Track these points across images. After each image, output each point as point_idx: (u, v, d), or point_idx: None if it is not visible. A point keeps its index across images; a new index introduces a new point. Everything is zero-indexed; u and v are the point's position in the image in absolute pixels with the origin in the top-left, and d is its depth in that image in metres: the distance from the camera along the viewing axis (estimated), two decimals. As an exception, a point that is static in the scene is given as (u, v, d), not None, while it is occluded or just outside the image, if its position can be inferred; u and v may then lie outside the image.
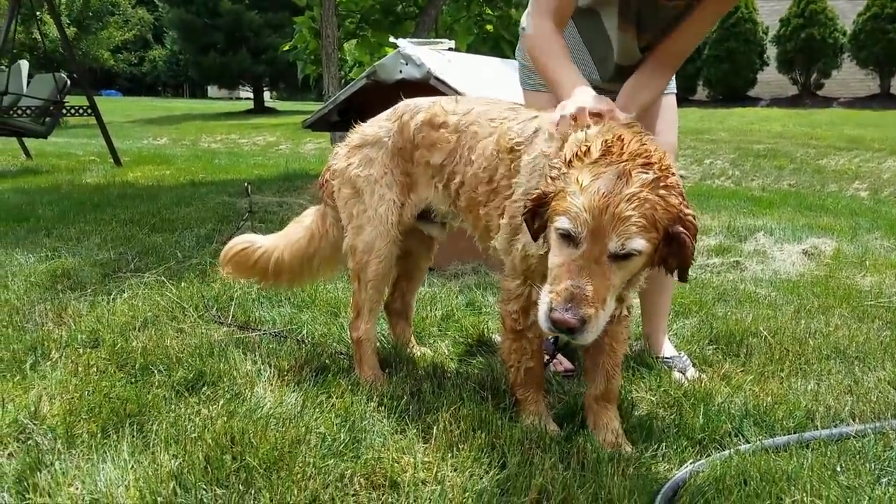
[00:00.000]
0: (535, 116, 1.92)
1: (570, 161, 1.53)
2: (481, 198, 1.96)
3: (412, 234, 2.34)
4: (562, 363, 2.41)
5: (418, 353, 2.49)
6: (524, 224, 1.66)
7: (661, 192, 1.47)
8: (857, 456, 1.72)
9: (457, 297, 3.15)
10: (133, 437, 1.75)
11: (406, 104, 2.19)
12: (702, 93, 18.34)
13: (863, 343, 2.57)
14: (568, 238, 1.48)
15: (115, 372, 2.19)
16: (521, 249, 1.79)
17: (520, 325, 1.87)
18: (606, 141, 1.53)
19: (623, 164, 1.48)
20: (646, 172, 1.47)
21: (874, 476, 1.64)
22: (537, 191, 1.59)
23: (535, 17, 2.07)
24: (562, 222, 1.48)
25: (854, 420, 1.96)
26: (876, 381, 2.24)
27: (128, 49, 44.32)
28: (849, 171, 8.73)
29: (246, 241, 2.41)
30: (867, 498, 1.52)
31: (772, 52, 16.93)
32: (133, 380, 2.14)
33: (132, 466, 1.59)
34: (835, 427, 1.89)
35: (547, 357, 2.08)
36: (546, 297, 1.50)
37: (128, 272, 3.42)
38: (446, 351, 2.57)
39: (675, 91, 2.42)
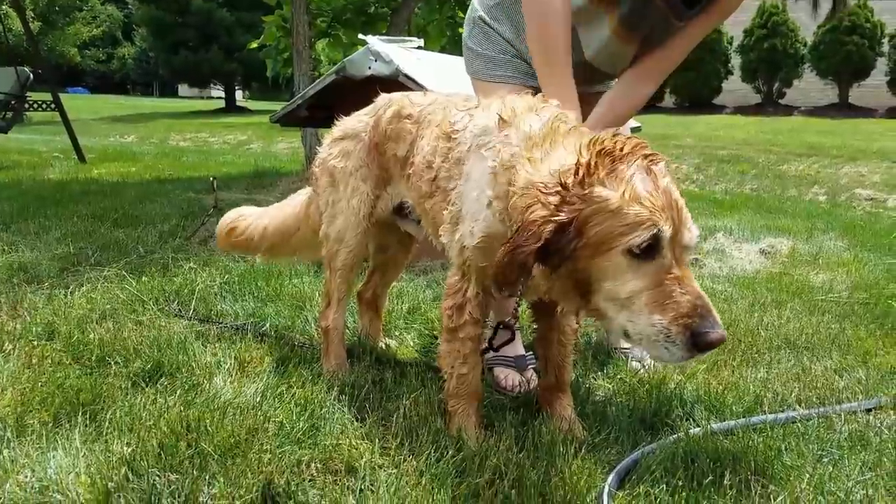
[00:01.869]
0: (480, 107, 1.82)
1: (583, 180, 1.39)
2: (425, 188, 1.91)
3: (391, 229, 2.36)
4: (507, 378, 2.23)
5: (384, 345, 2.51)
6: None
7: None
8: (802, 438, 1.79)
9: (424, 291, 3.17)
10: (86, 425, 1.73)
11: (384, 98, 2.20)
12: (669, 100, 18.67)
13: (812, 335, 2.66)
14: (648, 251, 1.34)
15: (70, 363, 2.16)
16: (457, 241, 1.73)
17: (453, 322, 1.76)
18: (602, 146, 1.43)
19: (633, 161, 1.40)
20: (655, 162, 1.43)
21: (816, 456, 1.70)
22: (551, 223, 1.38)
23: None
24: (642, 236, 1.32)
25: (800, 405, 2.02)
26: (823, 369, 2.32)
27: (96, 46, 43.50)
28: (808, 176, 8.97)
29: (237, 212, 2.59)
30: (808, 476, 1.57)
31: (736, 61, 17.34)
32: (88, 371, 2.11)
33: (83, 454, 1.57)
34: (781, 412, 1.95)
35: (486, 346, 1.95)
36: (663, 323, 1.33)
37: (87, 266, 3.37)
38: (412, 343, 2.59)
39: None
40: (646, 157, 1.42)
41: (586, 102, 2.04)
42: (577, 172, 1.40)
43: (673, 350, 1.33)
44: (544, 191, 1.42)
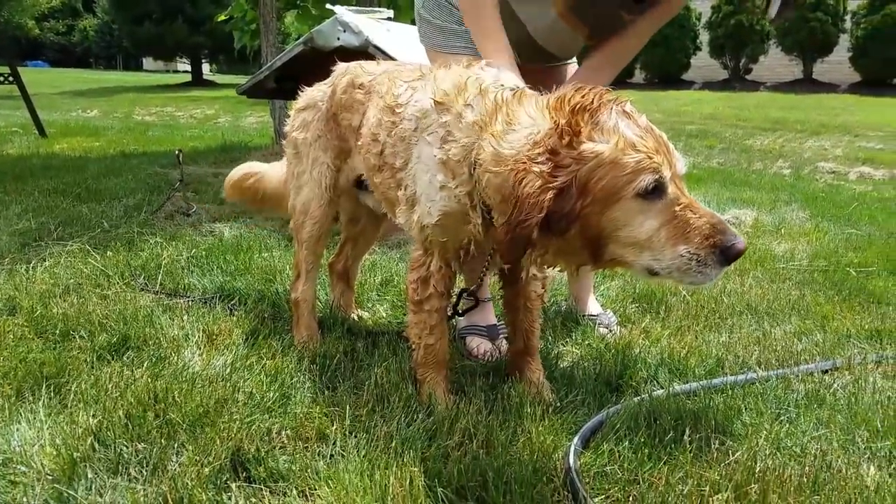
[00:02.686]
0: (422, 80, 1.80)
1: (571, 141, 1.38)
2: (373, 160, 1.90)
3: (358, 199, 2.35)
4: (478, 347, 2.26)
5: (356, 317, 2.51)
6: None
7: None
8: (760, 398, 1.85)
9: (397, 263, 3.17)
10: (50, 398, 1.71)
11: (341, 67, 2.18)
12: (639, 76, 18.76)
13: (773, 301, 2.74)
14: (655, 192, 1.36)
15: (32, 338, 2.12)
16: (416, 220, 1.72)
17: (418, 295, 1.78)
18: (574, 103, 1.42)
19: (609, 109, 1.41)
20: (623, 103, 1.45)
21: (774, 415, 1.76)
22: (550, 189, 1.36)
23: None
24: (647, 179, 1.34)
25: (760, 367, 2.09)
26: (783, 333, 2.40)
27: (55, 17, 41.98)
28: (773, 150, 9.13)
29: (246, 167, 2.67)
30: (765, 432, 1.63)
31: (704, 37, 17.46)
32: (52, 345, 2.08)
33: (48, 426, 1.56)
34: (742, 373, 2.01)
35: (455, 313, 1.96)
36: (690, 251, 1.36)
37: (49, 241, 3.30)
38: (384, 314, 2.60)
39: (574, 61, 2.46)
40: (614, 101, 1.44)
41: (533, 77, 2.00)
42: (561, 135, 1.39)
43: (707, 271, 1.37)
44: (533, 160, 1.39)
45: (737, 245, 1.36)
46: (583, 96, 1.43)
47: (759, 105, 13.64)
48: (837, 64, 16.50)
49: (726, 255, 1.36)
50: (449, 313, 1.89)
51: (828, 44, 16.28)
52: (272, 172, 2.56)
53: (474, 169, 1.54)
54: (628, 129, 1.38)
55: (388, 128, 1.81)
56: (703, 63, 17.78)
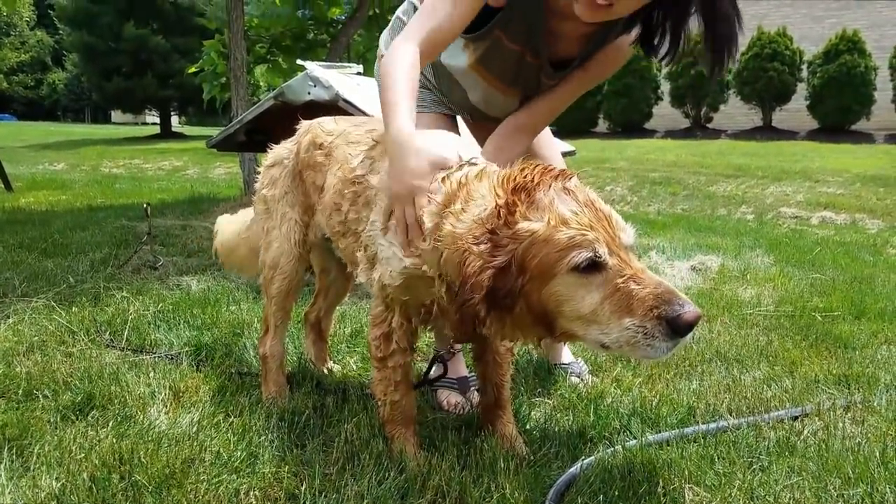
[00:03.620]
0: (379, 152, 1.82)
1: (507, 220, 1.40)
2: (337, 227, 1.94)
3: (330, 252, 2.35)
4: (449, 398, 2.25)
5: (326, 370, 2.48)
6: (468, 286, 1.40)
7: None
8: (733, 446, 1.85)
9: (367, 314, 3.14)
10: (12, 461, 1.65)
11: (304, 125, 2.22)
12: (602, 125, 19.26)
13: (741, 347, 2.77)
14: (593, 266, 1.35)
15: (-6, 398, 2.06)
16: (377, 280, 1.72)
17: (381, 352, 1.76)
18: (514, 182, 1.44)
19: (547, 186, 1.42)
20: (567, 179, 1.45)
21: (747, 463, 1.76)
22: (488, 268, 1.38)
23: (401, 40, 1.81)
24: (580, 256, 1.33)
25: (731, 415, 2.10)
26: (752, 379, 2.42)
27: (24, 71, 41.86)
28: (736, 196, 9.38)
29: (221, 219, 2.70)
30: (738, 481, 1.63)
31: (665, 87, 18.05)
32: (15, 406, 2.01)
33: (10, 490, 1.50)
34: (713, 422, 2.02)
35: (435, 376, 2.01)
36: (635, 323, 1.32)
37: (14, 298, 3.22)
38: (354, 367, 2.57)
39: None
40: (556, 178, 1.45)
41: (488, 133, 2.15)
42: (498, 215, 1.41)
43: (656, 344, 1.32)
44: (474, 241, 1.41)
45: (684, 315, 1.30)
46: (524, 175, 1.45)
47: (720, 152, 14.06)
48: (796, 112, 17.12)
49: (673, 326, 1.30)
50: (416, 382, 1.90)
51: (785, 92, 16.90)
52: (224, 227, 2.62)
53: (437, 241, 1.54)
54: (563, 205, 1.39)
55: (351, 198, 1.85)
56: (665, 112, 18.34)
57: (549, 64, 2.04)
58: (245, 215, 2.55)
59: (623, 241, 1.40)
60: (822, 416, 2.10)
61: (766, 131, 17.40)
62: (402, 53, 1.76)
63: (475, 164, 1.60)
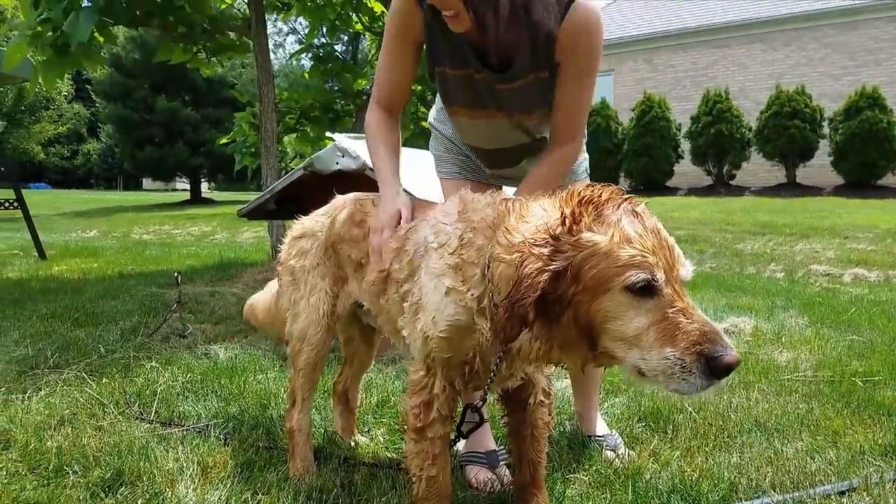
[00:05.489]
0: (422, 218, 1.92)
1: (571, 228, 1.42)
2: (378, 287, 1.96)
3: (353, 321, 2.39)
4: (478, 475, 2.20)
5: (353, 443, 2.45)
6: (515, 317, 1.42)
7: None
8: (779, 526, 1.77)
9: (393, 382, 3.13)
10: (41, 543, 1.64)
11: (339, 199, 2.26)
12: (624, 184, 19.31)
13: (781, 416, 2.68)
14: (645, 290, 1.34)
15: (26, 474, 2.07)
16: (420, 330, 1.70)
17: (421, 421, 1.71)
18: (582, 196, 1.47)
19: (616, 205, 1.44)
20: (636, 205, 1.46)
21: (795, 545, 1.68)
22: (546, 272, 1.39)
23: (371, 110, 2.20)
24: (636, 276, 1.33)
25: (774, 490, 2.02)
26: (794, 451, 2.33)
27: (60, 142, 43.60)
28: (765, 253, 9.26)
29: (248, 304, 2.77)
30: (788, 566, 1.55)
31: (686, 146, 18.14)
32: (45, 482, 2.01)
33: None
34: (756, 498, 1.94)
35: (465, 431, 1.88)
36: (675, 355, 1.31)
37: (46, 368, 3.27)
38: (381, 439, 2.53)
39: (587, 175, 2.50)
40: (626, 200, 1.46)
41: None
42: (564, 222, 1.43)
43: (691, 380, 1.31)
44: (535, 244, 1.43)
45: (724, 357, 1.29)
46: (593, 192, 1.47)
47: (745, 209, 13.96)
48: (819, 167, 17.01)
49: (711, 366, 1.29)
50: (452, 436, 1.81)
51: (808, 149, 16.84)
52: (257, 299, 2.70)
53: (488, 268, 1.56)
54: (630, 225, 1.39)
55: (398, 256, 1.87)
56: (687, 170, 18.35)
57: (493, 70, 2.05)
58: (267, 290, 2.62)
59: (680, 274, 1.40)
60: (869, 490, 2.01)
61: (791, 188, 17.28)
62: (370, 119, 2.20)
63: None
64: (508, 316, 1.42)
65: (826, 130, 16.87)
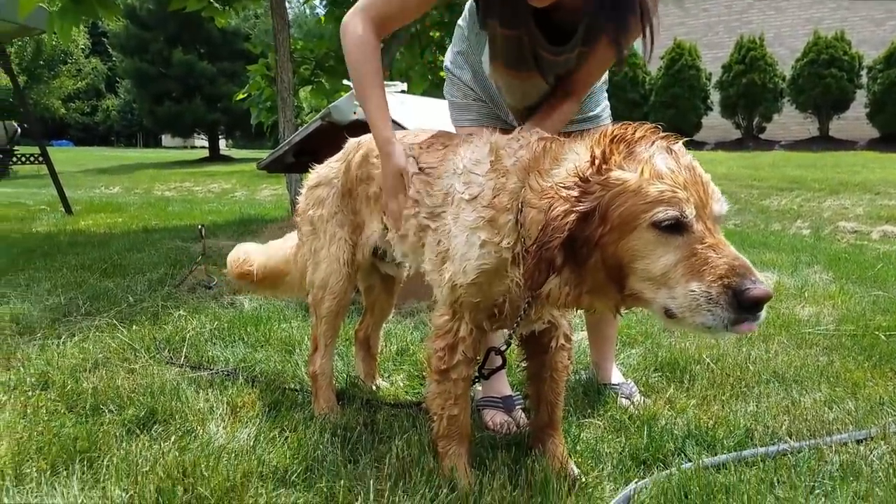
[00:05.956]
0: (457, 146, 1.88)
1: (600, 168, 1.40)
2: (409, 224, 1.93)
3: (373, 270, 2.41)
4: (494, 417, 2.25)
5: (374, 387, 2.52)
6: (537, 260, 1.42)
7: None
8: (793, 470, 1.80)
9: (412, 332, 3.19)
10: (83, 472, 1.73)
11: (352, 143, 2.25)
12: (648, 137, 18.93)
13: (800, 367, 2.69)
14: (674, 227, 1.31)
15: (64, 412, 2.16)
16: (448, 279, 1.69)
17: (445, 363, 1.73)
18: (615, 134, 1.44)
19: (650, 142, 1.40)
20: (673, 142, 1.42)
21: (808, 488, 1.71)
22: (572, 213, 1.38)
23: (357, 19, 1.95)
24: (664, 212, 1.30)
25: (791, 438, 2.04)
26: (812, 401, 2.35)
27: (80, 98, 43.77)
28: (791, 210, 9.12)
29: (242, 248, 2.69)
30: (800, 507, 1.59)
31: (715, 97, 17.66)
32: (83, 419, 2.10)
33: (82, 501, 1.57)
34: (772, 445, 1.97)
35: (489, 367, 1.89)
36: (702, 288, 1.27)
37: (78, 316, 3.37)
38: (401, 384, 2.60)
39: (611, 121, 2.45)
40: (662, 138, 1.42)
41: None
42: (593, 163, 1.40)
43: (717, 312, 1.26)
44: (564, 187, 1.41)
45: (752, 291, 1.24)
46: (626, 130, 1.44)
47: (774, 164, 13.66)
48: (854, 120, 16.43)
49: (739, 299, 1.24)
50: (474, 377, 1.84)
51: (843, 100, 16.21)
52: (270, 252, 2.62)
53: (520, 212, 1.55)
54: (662, 161, 1.36)
55: (426, 188, 1.85)
56: (715, 122, 17.88)
57: (547, 41, 1.98)
58: (280, 243, 2.61)
59: (714, 210, 1.35)
60: (888, 439, 2.02)
61: (823, 141, 16.81)
62: (356, 32, 1.94)
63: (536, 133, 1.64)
64: (536, 261, 1.41)
65: (864, 80, 16.19)
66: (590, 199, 1.38)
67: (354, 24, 1.95)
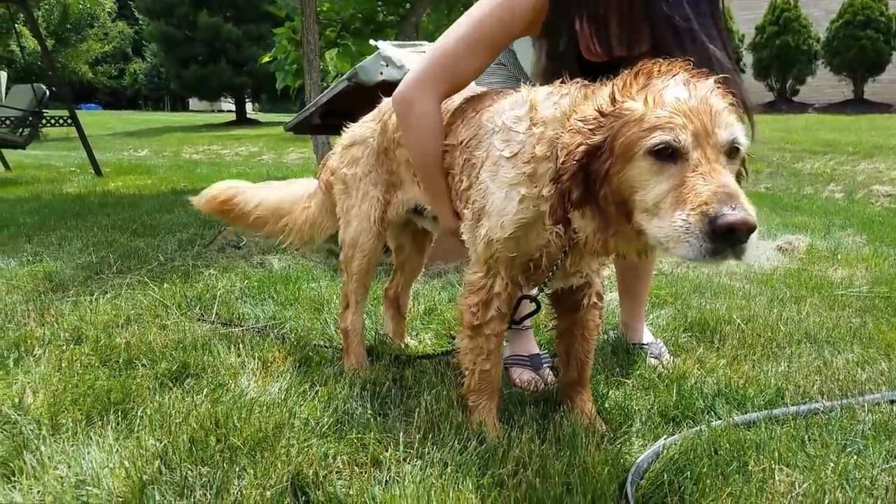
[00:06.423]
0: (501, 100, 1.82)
1: (615, 99, 1.36)
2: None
3: (404, 229, 2.42)
4: (522, 375, 2.25)
5: (403, 345, 2.54)
6: (556, 199, 1.43)
7: None
8: (825, 429, 1.79)
9: (439, 292, 3.20)
10: (118, 423, 1.77)
11: (387, 102, 2.21)
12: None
13: (832, 329, 2.65)
14: (668, 155, 1.27)
15: (98, 366, 2.20)
16: (483, 235, 1.68)
17: (478, 319, 1.72)
18: (637, 69, 1.39)
19: (673, 75, 1.35)
20: (700, 79, 1.35)
21: (840, 446, 1.70)
22: (583, 145, 1.35)
23: (427, 96, 1.89)
24: (657, 138, 1.25)
25: (822, 397, 2.02)
26: (844, 362, 2.32)
27: (107, 62, 44.07)
28: (824, 173, 8.91)
29: (226, 183, 2.64)
30: (832, 464, 1.57)
31: (748, 59, 17.20)
32: (117, 373, 2.15)
33: (117, 449, 1.61)
34: (803, 404, 1.95)
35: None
36: (682, 217, 1.21)
37: (110, 274, 3.43)
38: (429, 342, 2.61)
39: None
40: (689, 72, 1.37)
41: None
42: (611, 95, 1.38)
43: (692, 241, 1.20)
44: (583, 120, 1.39)
45: (726, 217, 1.16)
46: (653, 64, 1.39)
47: (807, 127, 13.33)
48: (890, 83, 15.93)
49: (713, 226, 1.17)
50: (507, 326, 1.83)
51: (879, 62, 15.71)
52: (265, 193, 2.58)
53: (557, 158, 1.51)
54: (673, 91, 1.31)
55: (461, 164, 1.84)
56: (747, 85, 17.32)
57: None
58: (294, 186, 2.60)
59: (719, 138, 1.28)
60: (922, 400, 1.99)
61: (857, 104, 16.35)
62: (427, 108, 1.89)
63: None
64: (558, 197, 1.41)
65: (901, 42, 15.64)
66: (602, 130, 1.35)
67: (423, 101, 1.89)
